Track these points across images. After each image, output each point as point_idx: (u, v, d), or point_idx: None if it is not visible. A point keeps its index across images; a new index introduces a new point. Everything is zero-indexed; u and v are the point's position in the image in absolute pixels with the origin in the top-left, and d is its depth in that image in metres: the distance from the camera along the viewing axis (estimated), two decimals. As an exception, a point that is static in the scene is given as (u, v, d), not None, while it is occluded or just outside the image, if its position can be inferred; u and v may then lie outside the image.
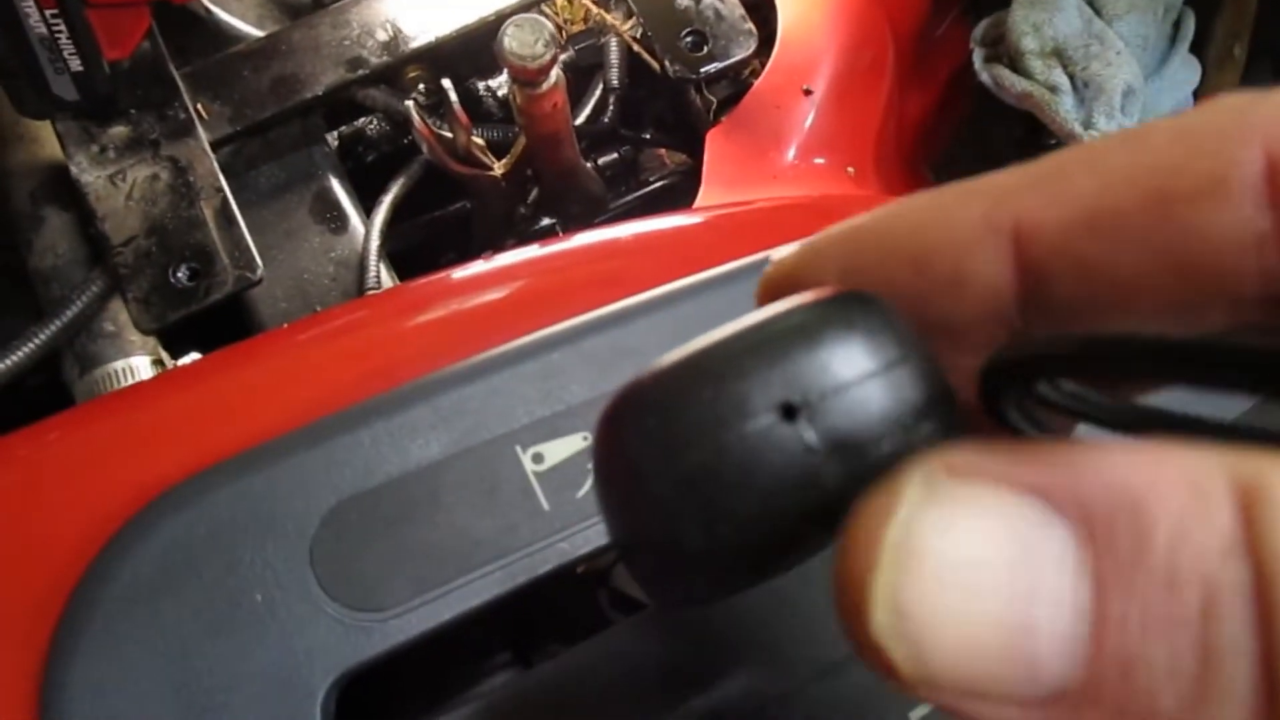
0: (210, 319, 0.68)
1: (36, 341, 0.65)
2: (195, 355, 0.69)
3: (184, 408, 0.35)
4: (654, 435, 0.17)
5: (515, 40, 0.55)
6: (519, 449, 0.32)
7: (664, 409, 0.17)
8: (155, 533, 0.29)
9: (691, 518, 0.17)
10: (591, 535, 0.31)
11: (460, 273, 0.42)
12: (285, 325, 0.44)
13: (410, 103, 0.63)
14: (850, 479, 0.16)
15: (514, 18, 0.56)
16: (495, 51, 0.55)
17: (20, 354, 0.64)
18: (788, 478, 0.16)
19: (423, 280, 0.43)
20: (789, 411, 0.17)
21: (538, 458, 0.32)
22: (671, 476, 0.17)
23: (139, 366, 0.67)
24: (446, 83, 0.62)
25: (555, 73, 0.58)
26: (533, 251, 0.43)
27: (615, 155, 0.92)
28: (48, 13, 0.59)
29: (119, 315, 0.68)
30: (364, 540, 0.30)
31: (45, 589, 0.30)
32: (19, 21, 0.58)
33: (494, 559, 0.31)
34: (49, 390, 0.71)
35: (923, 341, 0.18)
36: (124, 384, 0.66)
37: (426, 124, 0.62)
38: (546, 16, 0.85)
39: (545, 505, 0.32)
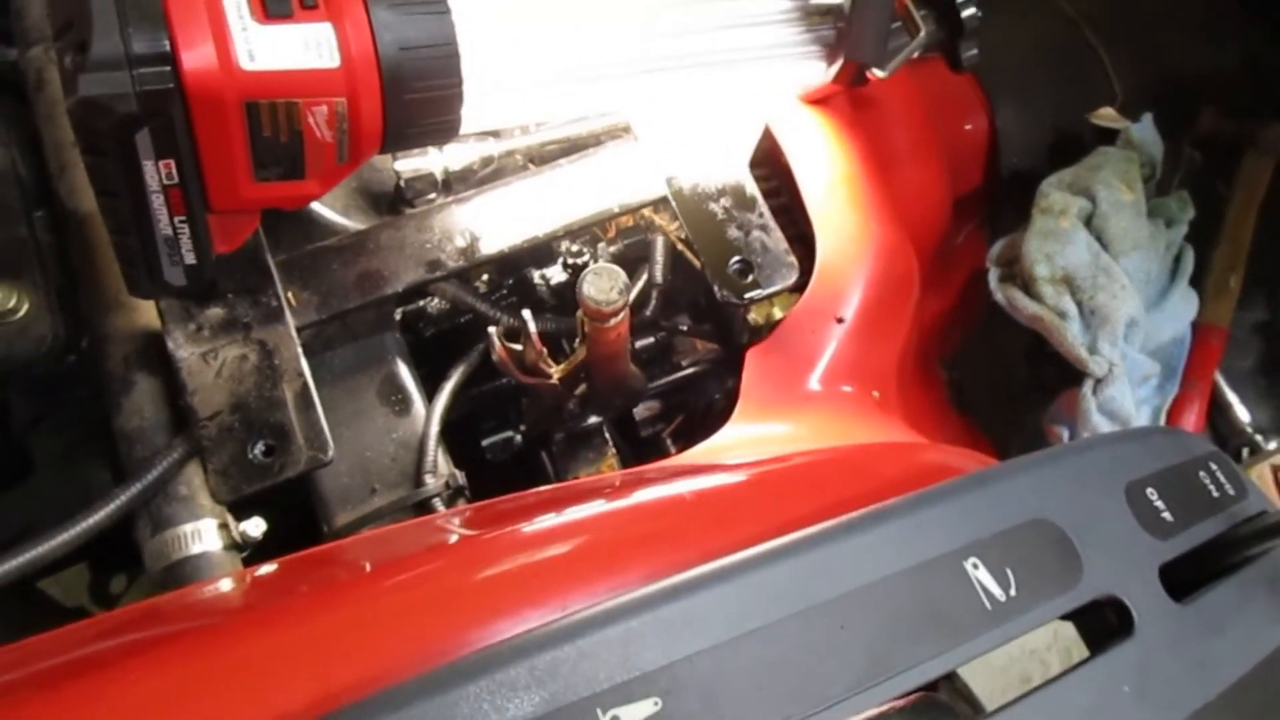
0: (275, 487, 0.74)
1: (120, 501, 0.70)
2: (258, 520, 0.74)
3: (299, 643, 0.40)
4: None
5: (594, 287, 0.62)
6: (599, 711, 0.37)
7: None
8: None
9: None
10: (661, 796, 0.36)
11: (536, 526, 0.48)
12: (392, 548, 0.48)
13: (492, 330, 0.70)
14: None
15: (593, 266, 0.64)
16: (576, 294, 0.62)
17: (104, 513, 0.69)
18: None
19: (516, 528, 0.48)
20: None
21: (615, 720, 0.37)
22: None
23: (206, 530, 0.72)
24: (527, 313, 0.69)
25: (624, 311, 0.65)
26: (599, 506, 0.49)
27: (652, 340, 1.00)
28: (176, 218, 0.66)
29: (193, 479, 0.73)
30: (466, 792, 0.35)
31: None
32: (150, 223, 0.66)
33: (576, 814, 0.35)
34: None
35: None
36: (192, 547, 0.71)
37: (507, 347, 0.69)
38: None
39: (621, 765, 0.36)
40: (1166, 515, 0.56)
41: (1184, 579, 0.55)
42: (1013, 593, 0.47)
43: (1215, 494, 0.61)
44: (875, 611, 0.43)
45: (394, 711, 0.36)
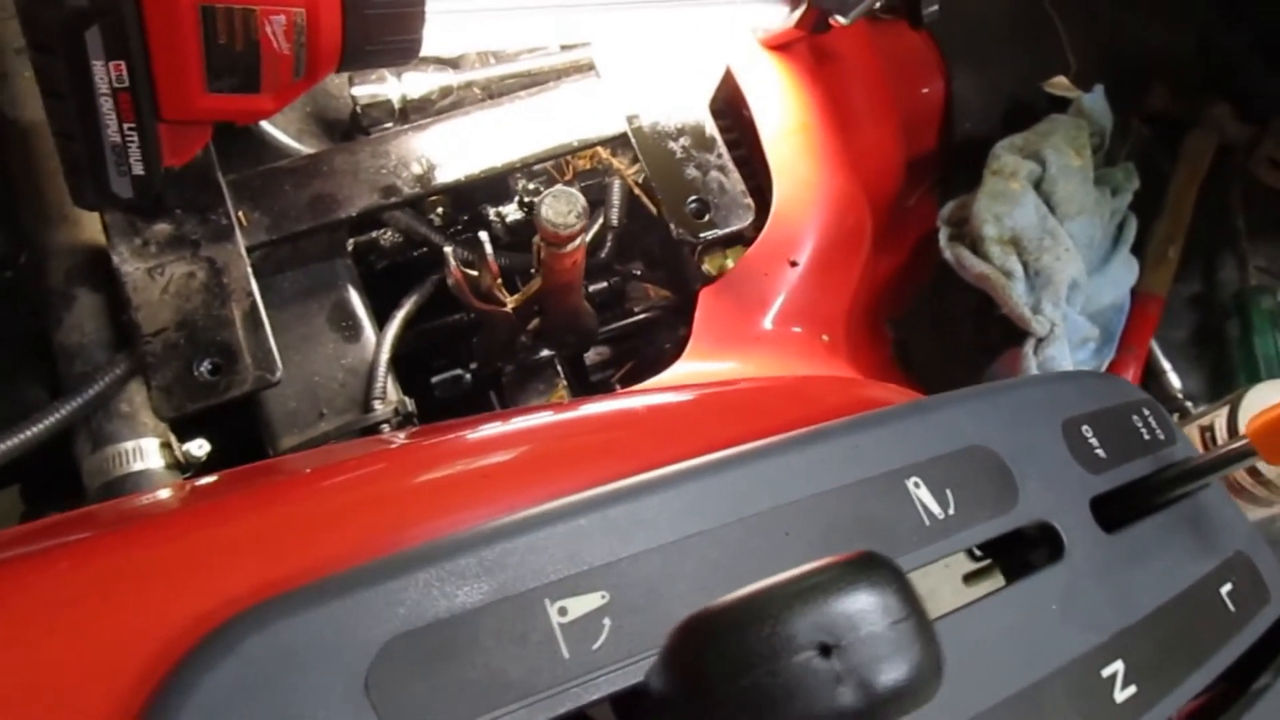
0: (220, 408, 0.73)
1: (60, 414, 0.69)
2: (202, 441, 0.73)
3: (248, 533, 0.40)
4: (723, 655, 0.24)
5: (552, 210, 0.62)
6: (547, 601, 0.38)
7: (732, 637, 0.24)
8: (229, 655, 0.34)
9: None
10: (603, 684, 0.37)
11: (492, 429, 0.48)
12: (341, 455, 0.48)
13: (449, 250, 0.69)
14: (863, 702, 0.23)
15: (552, 189, 0.63)
16: (534, 218, 0.62)
17: (43, 425, 0.68)
18: (820, 699, 0.23)
19: (463, 434, 0.48)
20: (825, 650, 0.23)
21: (563, 610, 0.38)
22: (734, 689, 0.23)
23: (148, 448, 0.71)
24: (483, 235, 0.69)
25: (581, 237, 0.65)
26: (545, 418, 0.50)
27: (605, 285, 1.00)
28: (125, 125, 0.64)
29: (135, 397, 0.72)
30: (412, 674, 0.35)
31: (116, 707, 0.34)
32: (98, 128, 0.64)
33: (519, 699, 0.36)
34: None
35: (919, 599, 0.25)
36: (132, 464, 0.70)
37: (462, 270, 0.69)
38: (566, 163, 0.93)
39: (566, 654, 0.37)
40: (1100, 452, 0.58)
41: (1113, 512, 0.57)
42: (951, 511, 0.48)
43: (1146, 437, 0.63)
44: (818, 521, 0.44)
45: (342, 595, 0.36)
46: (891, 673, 0.24)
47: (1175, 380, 1.24)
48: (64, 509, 1.00)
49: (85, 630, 0.36)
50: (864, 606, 0.24)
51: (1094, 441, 0.58)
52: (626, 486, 0.42)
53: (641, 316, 1.00)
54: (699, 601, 0.39)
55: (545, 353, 0.83)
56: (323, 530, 0.41)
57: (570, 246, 0.65)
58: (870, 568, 0.25)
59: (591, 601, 0.38)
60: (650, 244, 1.04)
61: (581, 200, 0.64)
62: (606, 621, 0.38)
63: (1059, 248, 1.05)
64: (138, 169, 0.68)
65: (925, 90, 1.29)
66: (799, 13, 0.84)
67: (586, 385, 1.00)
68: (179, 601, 0.37)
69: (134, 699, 0.34)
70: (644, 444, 0.49)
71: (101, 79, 0.61)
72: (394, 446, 0.50)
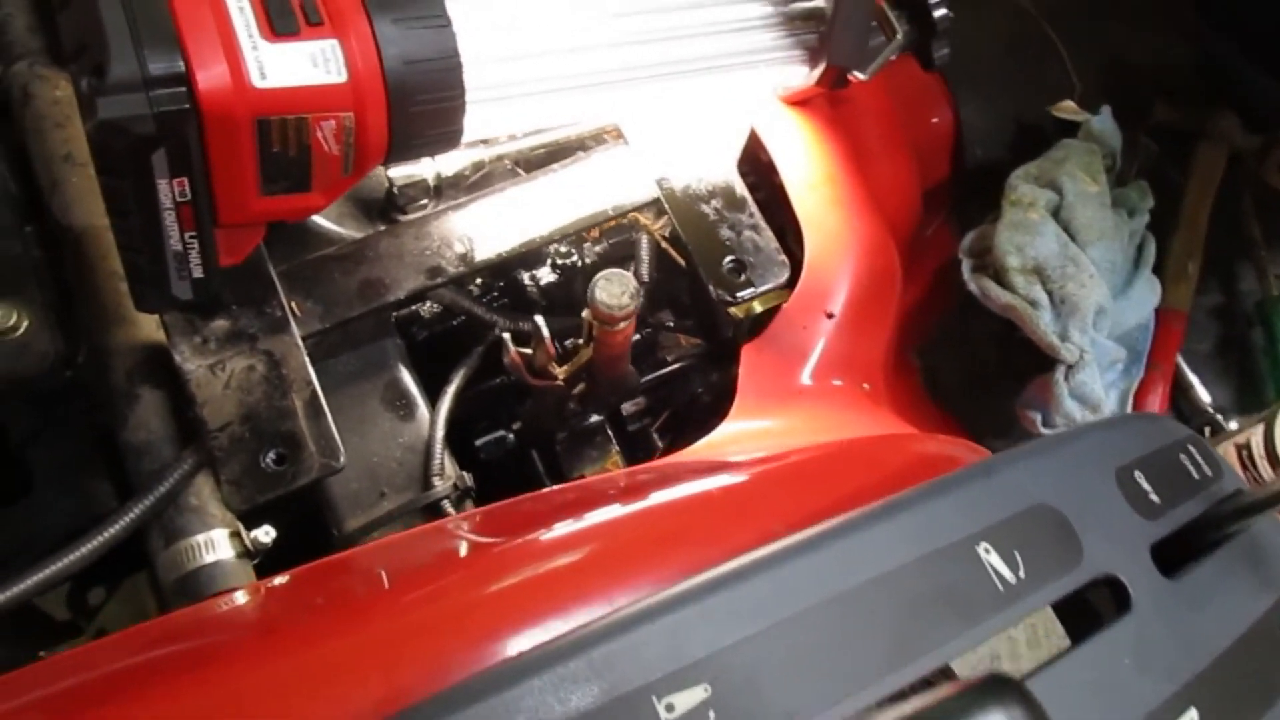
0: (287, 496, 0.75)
1: (135, 514, 0.71)
2: (268, 528, 0.75)
3: (361, 650, 0.42)
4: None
5: (605, 292, 0.64)
6: (655, 699, 0.40)
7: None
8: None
9: None
10: (713, 776, 0.39)
11: (569, 527, 0.50)
12: (423, 554, 0.50)
13: (506, 335, 0.71)
14: None
15: (603, 272, 0.66)
16: (586, 298, 0.64)
17: (120, 525, 0.70)
18: None
19: (541, 534, 0.50)
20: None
21: (670, 707, 0.40)
22: None
23: (219, 539, 0.73)
24: (539, 319, 0.71)
25: (633, 316, 0.67)
26: (621, 508, 0.52)
27: (639, 337, 1.02)
28: (187, 234, 0.67)
29: (203, 490, 0.74)
30: (538, 779, 0.37)
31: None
32: (161, 239, 0.66)
33: (638, 796, 0.38)
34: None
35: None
36: (205, 557, 0.72)
37: (519, 353, 0.71)
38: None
39: (676, 749, 0.39)
40: (1154, 497, 0.60)
41: (1172, 555, 0.58)
42: (1022, 574, 0.50)
43: (1195, 475, 0.65)
44: (899, 595, 0.46)
45: (462, 708, 0.38)
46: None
47: (1204, 394, 1.25)
48: (106, 589, 1.02)
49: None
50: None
51: (1147, 487, 0.60)
52: (716, 577, 0.44)
53: (676, 366, 1.02)
54: (796, 687, 0.41)
55: (595, 418, 0.85)
56: (432, 641, 0.43)
57: (623, 325, 0.67)
58: (996, 689, 0.27)
59: (696, 695, 0.40)
60: (678, 293, 1.06)
61: (633, 281, 0.66)
62: (712, 715, 0.40)
63: (1082, 274, 1.07)
64: (197, 272, 0.70)
65: (935, 120, 1.32)
66: (819, 71, 0.86)
67: (625, 436, 1.02)
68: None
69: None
70: (721, 527, 0.51)
71: (165, 195, 0.63)
72: (479, 549, 0.52)
